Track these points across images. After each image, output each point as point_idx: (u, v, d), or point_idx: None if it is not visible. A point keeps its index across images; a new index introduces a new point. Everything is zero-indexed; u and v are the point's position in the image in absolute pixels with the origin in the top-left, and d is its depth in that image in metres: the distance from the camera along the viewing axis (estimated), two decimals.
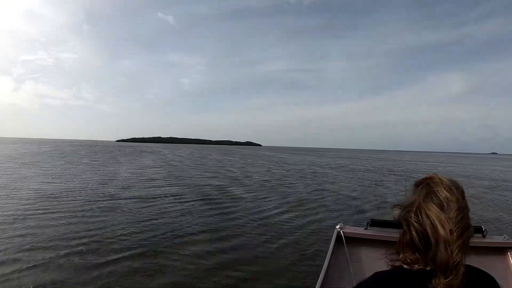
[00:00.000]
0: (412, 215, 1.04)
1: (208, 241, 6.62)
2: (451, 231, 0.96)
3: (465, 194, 1.09)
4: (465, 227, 0.99)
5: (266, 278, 4.96)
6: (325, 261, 2.57)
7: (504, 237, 3.01)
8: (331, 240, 2.87)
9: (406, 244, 1.05)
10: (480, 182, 22.08)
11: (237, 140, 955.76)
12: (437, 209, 1.00)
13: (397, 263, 1.05)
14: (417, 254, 1.01)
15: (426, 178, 1.11)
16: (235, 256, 5.81)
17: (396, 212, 1.11)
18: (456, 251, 0.95)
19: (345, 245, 2.80)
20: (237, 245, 6.46)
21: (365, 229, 2.91)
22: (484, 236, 2.94)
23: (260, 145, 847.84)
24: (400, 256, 1.06)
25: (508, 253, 2.91)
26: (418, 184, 1.12)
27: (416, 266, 1.00)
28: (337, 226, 2.97)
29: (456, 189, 1.06)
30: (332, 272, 2.58)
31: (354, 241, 2.88)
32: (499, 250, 2.93)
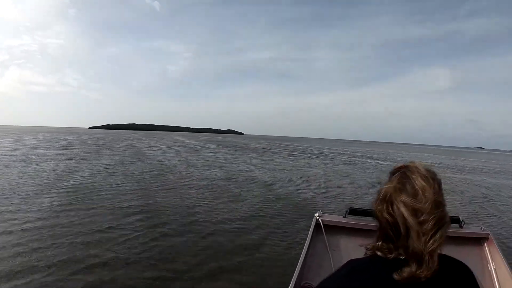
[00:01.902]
0: (385, 204, 1.04)
1: (184, 235, 6.39)
2: (424, 221, 0.96)
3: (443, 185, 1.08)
4: (441, 217, 0.97)
5: (246, 268, 5.05)
6: (304, 249, 2.59)
7: (481, 228, 3.10)
8: (309, 228, 2.86)
9: (381, 233, 1.05)
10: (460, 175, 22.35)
11: (218, 128, 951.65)
12: (411, 198, 0.99)
13: (373, 252, 1.04)
14: (391, 243, 1.01)
15: (402, 166, 1.09)
16: (211, 248, 5.78)
17: (372, 201, 1.10)
18: (431, 241, 0.94)
19: (324, 233, 2.80)
20: (210, 236, 6.44)
21: (344, 217, 2.91)
22: (461, 227, 3.03)
23: (242, 134, 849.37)
24: (376, 244, 1.05)
25: (485, 243, 2.99)
26: (393, 172, 1.11)
27: (390, 255, 1.00)
28: (316, 215, 2.95)
29: (433, 178, 1.03)
30: (311, 260, 2.61)
31: (333, 229, 2.88)
32: (476, 240, 3.01)
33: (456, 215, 3.02)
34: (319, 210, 3.06)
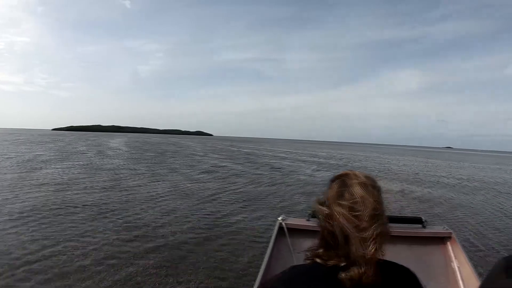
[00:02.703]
0: (324, 213, 1.06)
1: (141, 243, 6.24)
2: (364, 229, 0.97)
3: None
4: (380, 224, 0.99)
5: (209, 273, 5.07)
6: (267, 251, 2.61)
7: (444, 227, 3.17)
8: (272, 232, 2.87)
9: (321, 240, 1.07)
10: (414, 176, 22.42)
11: (187, 130, 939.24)
12: (349, 206, 1.01)
13: (313, 258, 1.05)
14: (332, 250, 1.03)
15: (341, 175, 1.12)
16: (169, 254, 5.75)
17: (313, 208, 1.12)
18: (371, 248, 0.95)
19: (287, 236, 2.80)
20: (170, 241, 6.42)
21: (307, 220, 2.91)
22: (424, 227, 3.09)
23: (212, 135, 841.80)
24: (317, 251, 1.06)
25: (448, 242, 3.05)
26: (333, 179, 1.13)
27: (330, 262, 1.01)
28: (279, 218, 2.93)
29: (372, 186, 1.06)
30: (274, 262, 2.60)
31: (296, 232, 2.87)
32: (439, 240, 3.07)
33: (419, 216, 3.16)
34: (282, 214, 2.98)
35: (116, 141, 57.13)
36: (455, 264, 2.85)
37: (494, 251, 7.15)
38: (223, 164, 23.33)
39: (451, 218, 10.15)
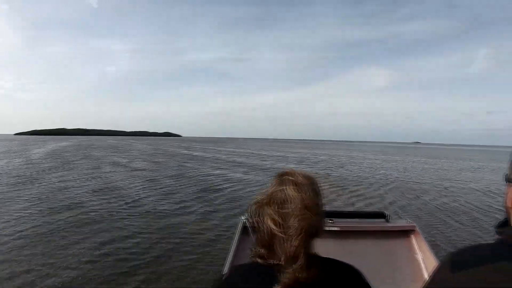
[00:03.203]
0: (257, 211, 1.07)
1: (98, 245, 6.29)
2: (290, 227, 0.98)
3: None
4: (308, 223, 1.00)
5: (174, 277, 5.10)
6: (230, 250, 2.60)
7: (407, 221, 3.29)
8: (236, 231, 2.87)
9: (257, 239, 1.07)
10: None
11: (155, 131, 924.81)
12: (279, 205, 1.02)
13: (254, 258, 1.06)
14: (267, 249, 1.03)
15: (281, 173, 1.12)
16: (132, 258, 5.73)
17: (248, 207, 1.13)
18: (297, 245, 0.97)
19: (251, 235, 2.20)
20: (132, 245, 6.37)
21: None
22: (387, 221, 3.18)
23: (180, 136, 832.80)
24: (256, 250, 1.06)
25: (412, 235, 3.14)
26: (274, 178, 1.13)
27: (269, 261, 1.02)
28: (243, 217, 2.98)
29: (308, 185, 1.06)
30: (237, 261, 2.56)
31: None
32: (403, 233, 3.15)
33: (382, 211, 3.31)
34: (245, 213, 2.88)
35: (49, 147, 48.11)
36: (419, 256, 2.98)
37: (456, 242, 7.47)
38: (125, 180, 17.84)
39: (414, 211, 10.42)
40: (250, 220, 1.09)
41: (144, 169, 19.72)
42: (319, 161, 32.78)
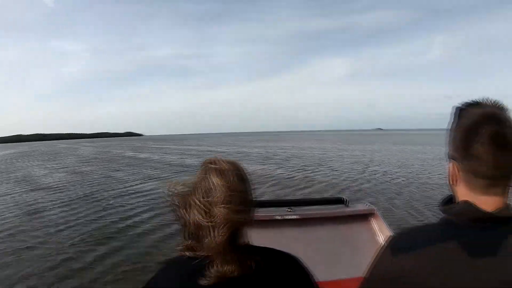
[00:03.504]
0: (181, 202, 1.01)
1: None
2: (216, 216, 0.94)
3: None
4: (235, 211, 0.95)
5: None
6: None
7: (366, 204, 3.43)
8: None
9: (184, 231, 1.02)
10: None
11: (116, 132, 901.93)
12: (203, 194, 0.97)
13: (183, 251, 1.00)
14: (195, 241, 0.99)
15: (205, 162, 1.08)
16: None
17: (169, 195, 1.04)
18: (223, 235, 0.92)
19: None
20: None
21: None
22: (347, 206, 3.30)
23: (142, 135, 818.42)
24: (184, 243, 1.01)
25: (372, 218, 3.22)
26: (200, 167, 1.08)
27: (196, 253, 0.97)
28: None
29: (232, 171, 1.01)
30: None
31: None
32: (363, 217, 3.23)
33: (340, 196, 3.60)
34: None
35: None
36: (380, 238, 3.03)
37: (415, 221, 7.76)
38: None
39: (374, 195, 10.66)
40: (175, 213, 1.00)
41: (50, 187, 15.56)
42: (282, 153, 32.05)
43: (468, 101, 0.95)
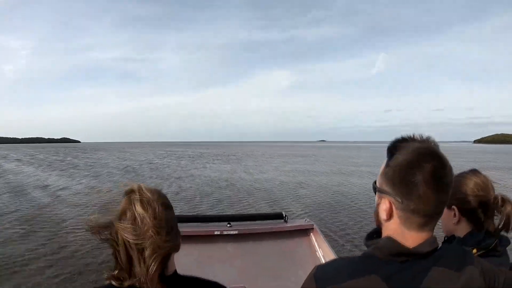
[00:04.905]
0: (109, 231, 1.01)
1: None
2: (144, 247, 0.96)
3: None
4: (164, 241, 0.98)
5: None
6: None
7: (306, 220, 3.49)
8: None
9: (114, 260, 1.02)
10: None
11: (51, 137, 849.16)
12: (130, 225, 0.98)
13: (110, 280, 1.01)
14: (124, 271, 0.99)
15: (128, 191, 1.07)
16: None
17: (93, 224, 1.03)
18: (151, 266, 0.94)
19: None
20: None
21: None
22: (286, 221, 3.32)
23: (79, 142, 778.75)
24: (113, 273, 1.01)
25: (311, 233, 3.30)
26: (124, 195, 1.09)
27: (123, 283, 0.98)
28: None
29: (156, 201, 1.03)
30: None
31: None
32: (302, 232, 3.30)
33: (280, 211, 3.47)
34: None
35: None
36: (319, 253, 3.12)
37: (350, 237, 7.99)
38: None
39: (313, 210, 10.83)
40: (107, 243, 1.01)
41: None
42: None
43: (403, 137, 0.95)
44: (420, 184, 0.86)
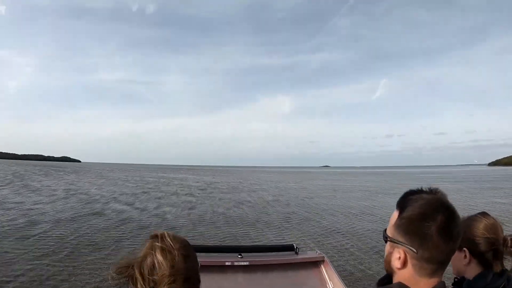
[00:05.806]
0: (127, 275, 1.04)
1: None
2: None
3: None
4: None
5: None
6: None
7: (316, 252, 3.36)
8: None
9: None
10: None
11: (51, 155, 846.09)
12: (147, 271, 1.02)
13: None
14: None
15: (152, 236, 1.10)
16: None
17: (116, 269, 1.07)
18: None
19: None
20: None
21: None
22: (296, 253, 3.23)
23: (79, 161, 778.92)
24: None
25: (321, 265, 3.20)
26: (149, 238, 1.12)
27: None
28: None
29: (177, 250, 1.06)
30: None
31: None
32: (313, 264, 3.21)
33: (291, 243, 3.33)
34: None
35: None
36: (330, 286, 3.02)
37: (361, 270, 7.83)
38: None
39: (324, 241, 10.93)
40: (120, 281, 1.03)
41: None
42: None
43: (412, 190, 1.02)
44: (434, 234, 0.93)
